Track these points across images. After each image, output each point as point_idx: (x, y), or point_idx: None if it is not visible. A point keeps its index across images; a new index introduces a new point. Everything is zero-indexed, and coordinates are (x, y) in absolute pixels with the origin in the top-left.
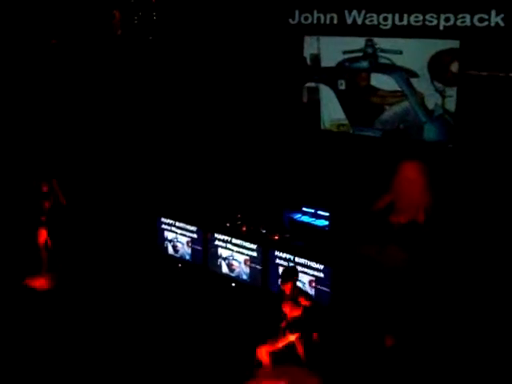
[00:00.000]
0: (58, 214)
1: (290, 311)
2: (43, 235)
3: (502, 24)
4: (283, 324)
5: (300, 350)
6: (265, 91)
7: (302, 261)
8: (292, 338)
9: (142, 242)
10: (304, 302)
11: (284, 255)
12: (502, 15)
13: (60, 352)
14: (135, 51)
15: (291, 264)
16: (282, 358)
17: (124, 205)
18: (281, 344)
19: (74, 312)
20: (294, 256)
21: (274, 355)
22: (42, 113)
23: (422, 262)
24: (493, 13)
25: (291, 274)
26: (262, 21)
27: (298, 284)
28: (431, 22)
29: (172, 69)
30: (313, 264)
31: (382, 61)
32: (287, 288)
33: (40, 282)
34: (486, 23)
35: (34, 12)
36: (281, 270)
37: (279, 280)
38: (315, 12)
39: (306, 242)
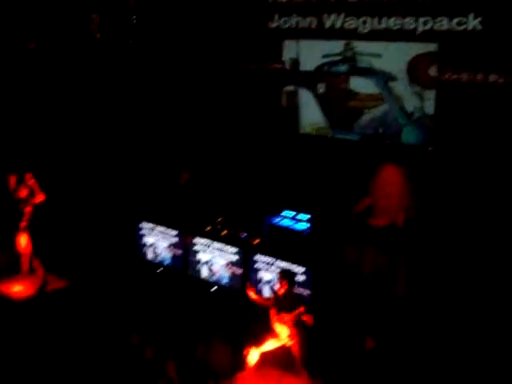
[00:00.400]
0: (38, 218)
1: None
2: (23, 241)
3: (479, 27)
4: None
5: (296, 350)
6: (244, 95)
7: (282, 264)
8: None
9: (121, 246)
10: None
11: (265, 258)
12: (480, 19)
13: (38, 358)
14: (114, 55)
15: (272, 267)
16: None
17: (104, 209)
18: (272, 345)
19: (54, 318)
20: (275, 259)
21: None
22: (24, 114)
23: (400, 264)
24: (470, 16)
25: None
26: (242, 24)
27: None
28: (409, 25)
29: (152, 72)
30: (294, 267)
31: (361, 64)
32: (283, 286)
33: (20, 288)
34: (463, 27)
35: (12, 16)
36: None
37: (280, 277)
38: (294, 16)
39: (286, 246)
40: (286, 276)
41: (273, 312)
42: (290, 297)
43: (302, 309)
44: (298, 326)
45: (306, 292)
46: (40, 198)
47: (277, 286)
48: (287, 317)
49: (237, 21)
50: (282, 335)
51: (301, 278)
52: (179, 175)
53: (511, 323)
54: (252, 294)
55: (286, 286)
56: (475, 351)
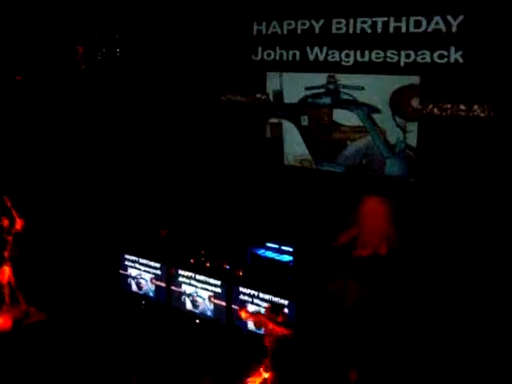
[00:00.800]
0: (20, 249)
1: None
2: (6, 272)
3: (460, 60)
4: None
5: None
6: (228, 127)
7: (266, 296)
8: (265, 375)
9: (104, 279)
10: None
11: (248, 291)
12: (461, 52)
13: None
14: (98, 86)
15: (256, 299)
16: None
17: (87, 241)
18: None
19: (36, 350)
20: (259, 292)
21: None
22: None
23: (381, 295)
24: (452, 49)
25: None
26: (225, 57)
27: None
28: (392, 58)
29: (134, 104)
30: (277, 299)
31: (344, 97)
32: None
33: (1, 321)
34: (445, 60)
35: None
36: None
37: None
38: (278, 48)
39: (270, 278)
40: (274, 310)
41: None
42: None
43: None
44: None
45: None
46: (19, 223)
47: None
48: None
49: (221, 53)
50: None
51: (285, 310)
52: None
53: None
54: (243, 314)
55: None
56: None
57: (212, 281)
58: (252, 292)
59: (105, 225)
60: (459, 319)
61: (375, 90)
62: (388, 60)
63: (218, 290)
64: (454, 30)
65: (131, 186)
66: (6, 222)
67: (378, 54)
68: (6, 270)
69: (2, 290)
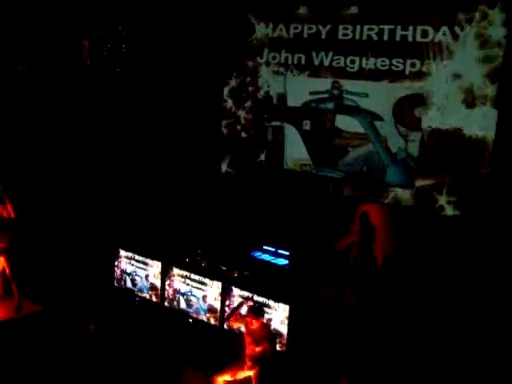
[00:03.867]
0: (17, 241)
1: (252, 348)
2: (0, 263)
3: None
4: (246, 358)
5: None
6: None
7: (260, 299)
8: (250, 372)
9: (99, 273)
10: (266, 345)
11: (242, 293)
12: None
13: None
14: (102, 82)
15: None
16: None
17: (84, 235)
18: (239, 376)
19: (28, 343)
20: (253, 294)
21: None
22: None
23: (374, 303)
24: None
25: (262, 310)
26: (230, 58)
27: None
28: (397, 66)
29: (138, 100)
30: (271, 302)
31: (348, 103)
32: (258, 323)
33: None
34: None
35: (3, 39)
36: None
37: (250, 314)
38: (283, 51)
39: (265, 280)
40: (254, 312)
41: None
42: (261, 329)
43: (265, 345)
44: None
45: (283, 328)
46: (8, 207)
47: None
48: (257, 348)
49: (225, 53)
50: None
51: (279, 313)
52: None
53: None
54: (234, 323)
55: (257, 321)
56: None
57: (207, 281)
58: (247, 294)
59: (103, 219)
60: (453, 330)
61: (379, 97)
62: (393, 68)
63: (213, 290)
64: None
65: (132, 183)
66: (4, 213)
67: (383, 61)
68: (1, 260)
69: None
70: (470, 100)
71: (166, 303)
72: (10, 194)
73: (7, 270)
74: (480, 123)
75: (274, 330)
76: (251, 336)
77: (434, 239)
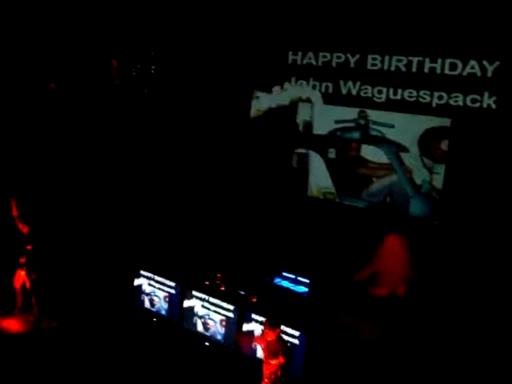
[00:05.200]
0: (38, 257)
1: (269, 363)
2: (21, 277)
3: (493, 106)
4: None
5: None
6: (256, 154)
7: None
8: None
9: (118, 293)
10: (281, 358)
11: (260, 318)
12: (495, 98)
13: None
14: (130, 101)
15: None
16: None
17: (104, 255)
18: None
19: (46, 358)
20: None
21: None
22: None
23: (397, 336)
24: (485, 94)
25: (278, 321)
26: (258, 82)
27: None
28: (424, 98)
29: (164, 122)
30: (288, 330)
31: (374, 133)
32: (274, 334)
33: (12, 324)
34: (478, 104)
35: (35, 55)
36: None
37: (267, 325)
38: (311, 79)
39: (283, 307)
40: (271, 323)
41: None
42: (276, 340)
43: (281, 359)
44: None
45: (299, 356)
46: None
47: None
48: (272, 361)
49: (254, 79)
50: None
51: (295, 341)
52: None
53: None
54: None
55: (273, 333)
56: None
57: (225, 305)
58: (264, 319)
59: (125, 239)
60: (476, 367)
61: (405, 128)
62: (420, 100)
63: (231, 314)
64: (489, 75)
65: (157, 205)
66: (25, 229)
67: (410, 93)
68: (22, 274)
69: (16, 294)
70: None
71: (183, 325)
72: (34, 210)
73: (27, 284)
74: None
75: None
76: (267, 350)
77: (457, 274)
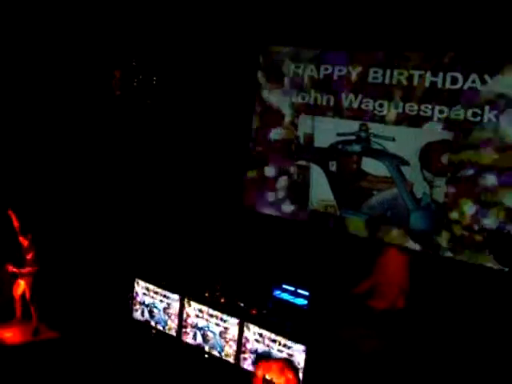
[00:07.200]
0: (37, 267)
1: None
2: (21, 286)
3: (494, 120)
4: None
5: None
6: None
7: (278, 338)
8: None
9: (116, 303)
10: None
11: (260, 331)
12: (495, 112)
13: None
14: (132, 113)
15: (267, 340)
16: None
17: (103, 265)
18: None
19: (42, 370)
20: (271, 333)
21: None
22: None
23: (397, 349)
24: (486, 108)
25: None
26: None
27: None
28: (425, 112)
29: (165, 134)
30: (288, 342)
31: (375, 146)
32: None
33: (9, 334)
34: (478, 118)
35: (37, 65)
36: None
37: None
38: (312, 92)
39: (283, 320)
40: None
41: None
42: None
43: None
44: None
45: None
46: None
47: None
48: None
49: (254, 92)
50: None
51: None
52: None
53: None
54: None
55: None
56: None
57: (225, 317)
58: (264, 332)
59: (124, 248)
60: (478, 380)
61: (406, 142)
62: (421, 113)
63: (230, 326)
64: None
65: (156, 214)
66: (25, 242)
67: (411, 106)
68: (22, 283)
69: (15, 303)
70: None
71: (182, 337)
72: (32, 221)
73: (27, 294)
74: None
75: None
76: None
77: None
